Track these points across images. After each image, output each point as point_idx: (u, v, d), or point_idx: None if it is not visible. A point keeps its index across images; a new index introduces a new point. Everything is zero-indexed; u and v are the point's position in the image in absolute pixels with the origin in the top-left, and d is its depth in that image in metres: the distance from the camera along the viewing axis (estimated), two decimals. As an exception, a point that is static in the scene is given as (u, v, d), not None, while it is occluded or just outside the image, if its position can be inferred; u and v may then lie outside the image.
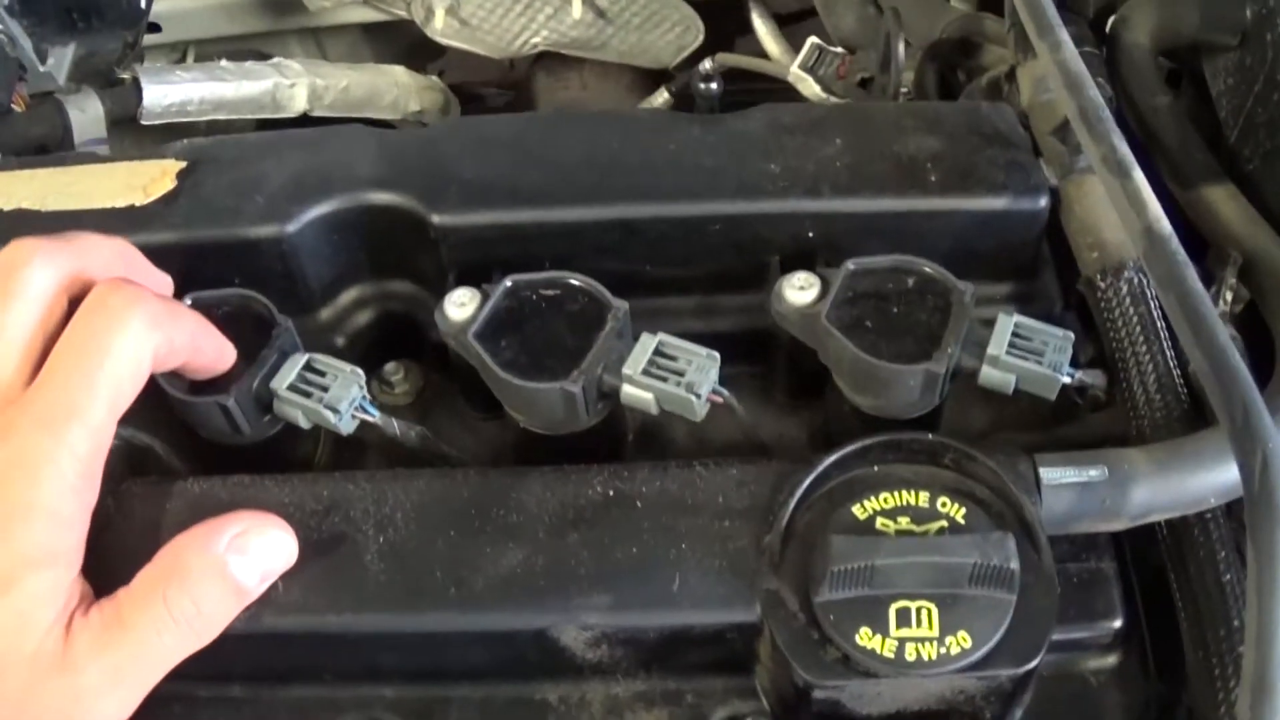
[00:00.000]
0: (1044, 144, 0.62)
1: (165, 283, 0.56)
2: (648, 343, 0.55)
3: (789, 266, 0.58)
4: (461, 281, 0.58)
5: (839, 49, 0.76)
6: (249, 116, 0.88)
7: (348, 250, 0.62)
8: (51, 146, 0.83)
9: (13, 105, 0.84)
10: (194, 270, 0.60)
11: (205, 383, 0.56)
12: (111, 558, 0.50)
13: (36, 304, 0.50)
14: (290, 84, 0.87)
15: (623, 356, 0.54)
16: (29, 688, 0.47)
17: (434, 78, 0.95)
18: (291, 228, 0.59)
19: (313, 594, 0.51)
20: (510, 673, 0.53)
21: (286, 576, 0.51)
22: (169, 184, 0.62)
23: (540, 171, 0.60)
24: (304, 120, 0.89)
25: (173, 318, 0.52)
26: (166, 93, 0.83)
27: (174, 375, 0.55)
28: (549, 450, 0.57)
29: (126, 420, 0.50)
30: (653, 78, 0.96)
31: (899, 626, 0.48)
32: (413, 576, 0.51)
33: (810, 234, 0.59)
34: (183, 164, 0.63)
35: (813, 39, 0.76)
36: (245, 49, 0.98)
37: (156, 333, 0.50)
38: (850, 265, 0.56)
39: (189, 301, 0.58)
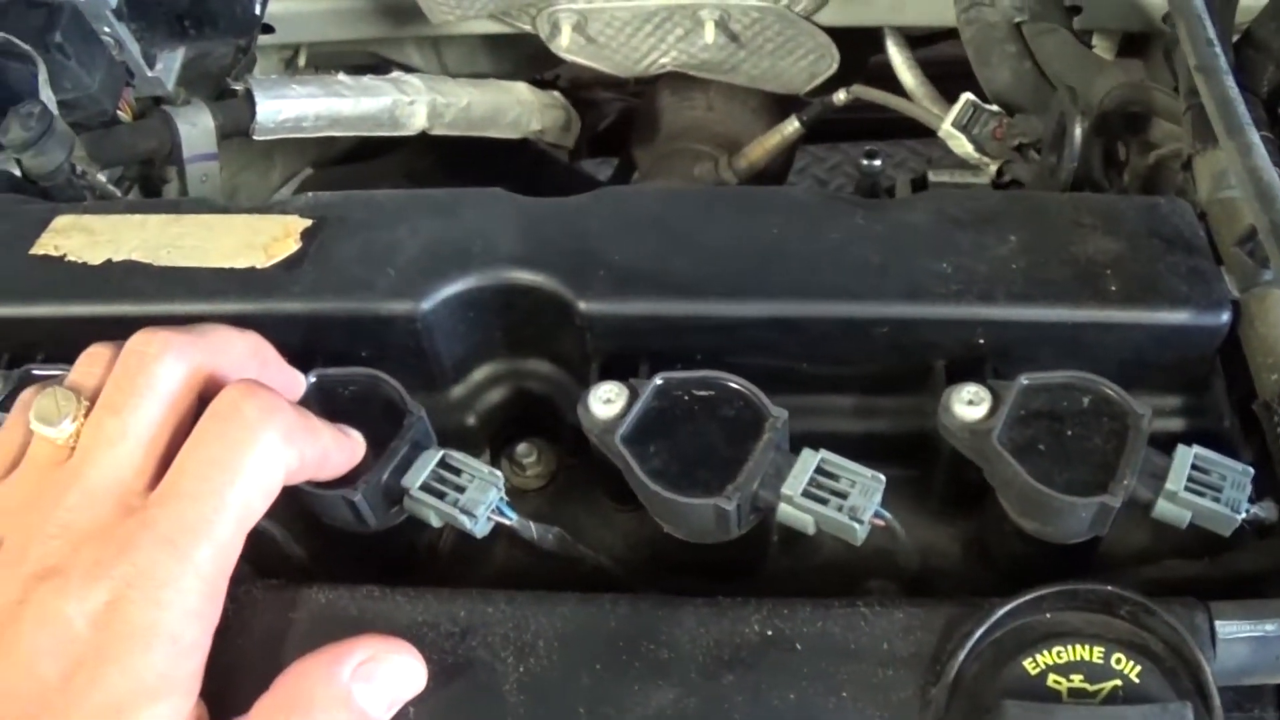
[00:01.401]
0: (1226, 253, 0.58)
1: (297, 382, 0.54)
2: (809, 460, 0.52)
3: (955, 372, 0.56)
4: (605, 368, 0.56)
5: (994, 107, 0.72)
6: (365, 134, 0.85)
7: (484, 328, 0.59)
8: (159, 160, 0.81)
9: (119, 111, 0.82)
10: (317, 342, 0.58)
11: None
12: (229, 667, 0.48)
13: (165, 402, 0.48)
14: (410, 101, 0.84)
15: (781, 471, 0.52)
16: None
17: (556, 94, 0.92)
18: (426, 305, 0.57)
19: (446, 727, 0.49)
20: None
21: (418, 703, 0.49)
22: (292, 245, 0.60)
23: (692, 258, 0.57)
24: (420, 138, 0.86)
25: (308, 432, 0.50)
26: (281, 108, 0.81)
27: None
28: (690, 554, 0.55)
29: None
30: (779, 101, 0.92)
31: (1075, 789, 0.45)
32: (554, 712, 0.49)
33: (980, 341, 0.56)
34: (307, 223, 0.61)
35: (967, 96, 0.72)
36: (360, 54, 0.95)
37: (291, 449, 0.48)
38: (1024, 380, 0.53)
39: (314, 378, 0.55)
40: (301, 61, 0.97)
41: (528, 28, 0.89)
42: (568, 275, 0.57)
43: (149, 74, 0.82)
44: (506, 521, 0.53)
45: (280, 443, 0.48)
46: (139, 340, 0.49)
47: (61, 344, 0.59)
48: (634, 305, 0.56)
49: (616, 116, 1.00)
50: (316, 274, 0.58)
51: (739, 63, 0.88)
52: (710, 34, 0.84)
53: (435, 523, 0.53)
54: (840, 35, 0.87)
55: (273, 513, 0.56)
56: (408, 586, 0.52)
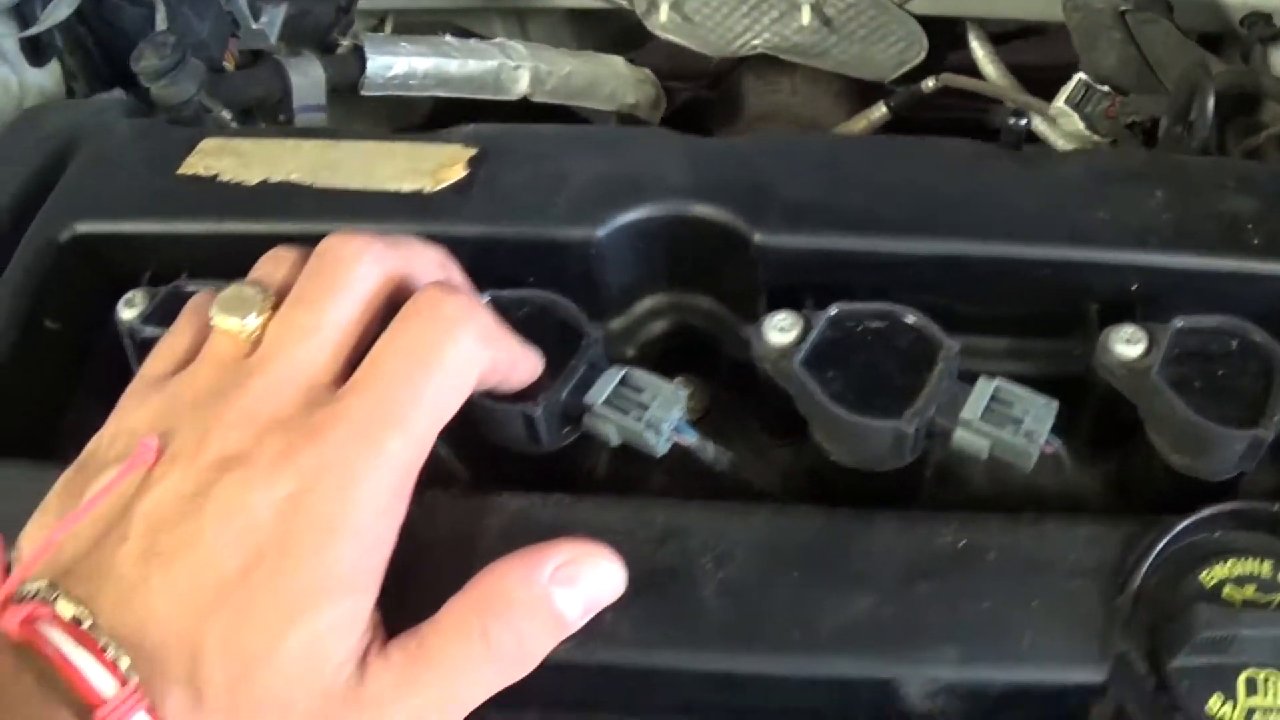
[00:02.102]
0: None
1: (479, 297, 0.55)
2: (985, 387, 0.55)
3: (1107, 316, 0.59)
4: (771, 301, 0.59)
5: (1104, 88, 0.77)
6: (469, 96, 0.88)
7: (651, 259, 0.63)
8: (268, 109, 0.83)
9: (223, 63, 0.84)
10: (486, 267, 0.60)
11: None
12: (413, 571, 0.48)
13: (360, 300, 0.48)
14: (515, 66, 0.87)
15: (956, 399, 0.55)
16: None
17: (647, 70, 0.96)
18: (601, 232, 0.60)
19: (647, 627, 0.51)
20: (825, 720, 0.53)
21: (617, 608, 0.51)
22: (460, 171, 0.63)
23: (862, 197, 0.61)
24: (522, 105, 0.89)
25: (503, 335, 0.51)
26: (391, 64, 0.84)
27: None
28: (848, 484, 0.58)
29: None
30: (860, 89, 0.96)
31: (1248, 695, 0.49)
32: (754, 618, 0.51)
33: (1134, 286, 0.60)
34: (472, 151, 0.63)
35: (1080, 75, 0.77)
36: (444, 24, 0.98)
37: (487, 350, 0.49)
38: (1178, 323, 0.57)
39: (488, 298, 0.58)
40: (388, 29, 1.00)
41: (623, 3, 0.93)
42: (742, 209, 0.60)
43: (254, 26, 0.85)
44: (686, 440, 0.56)
45: (477, 340, 0.48)
46: (334, 241, 0.49)
47: (210, 264, 0.61)
48: (808, 239, 0.59)
49: (682, 105, 1.04)
50: (488, 199, 0.61)
51: (829, 47, 0.92)
52: (806, 17, 0.88)
53: (615, 440, 0.56)
54: (924, 25, 0.91)
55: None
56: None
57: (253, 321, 0.48)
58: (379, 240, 0.50)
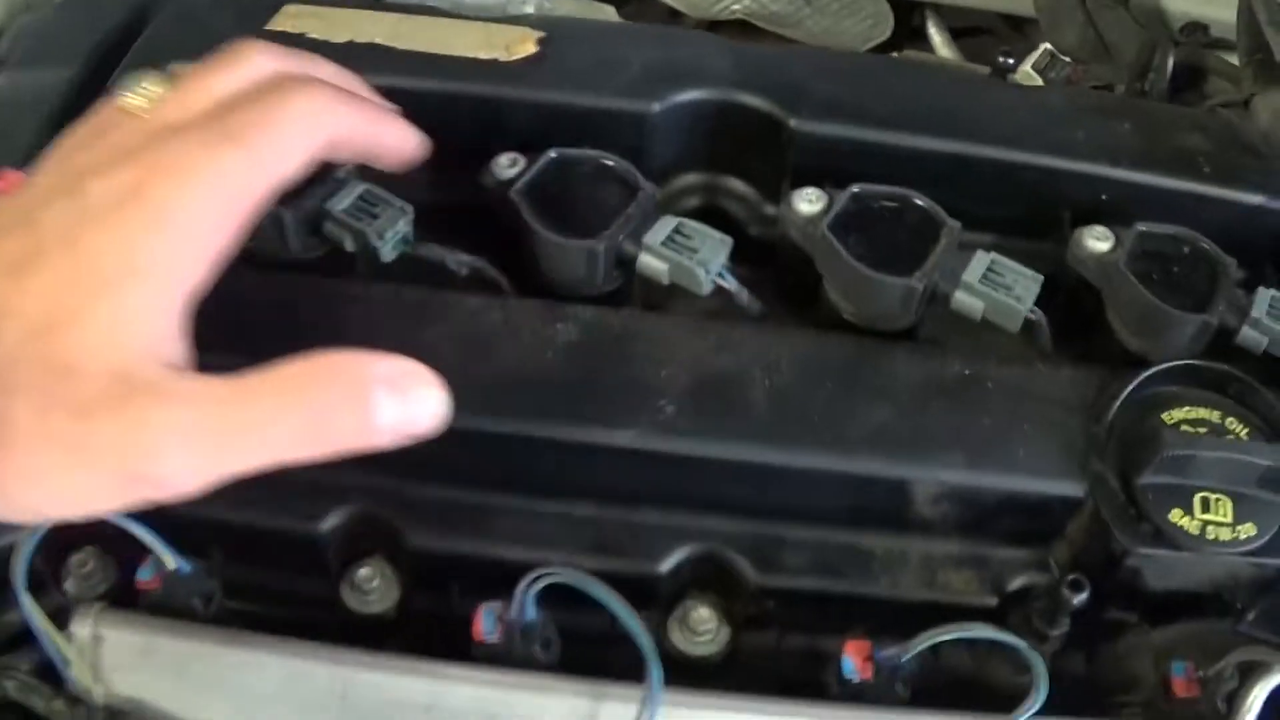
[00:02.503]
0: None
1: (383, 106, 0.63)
2: (983, 258, 0.66)
3: (1079, 220, 0.70)
4: (797, 184, 0.69)
5: (1066, 58, 0.89)
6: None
7: (694, 139, 0.72)
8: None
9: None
10: (549, 130, 0.69)
11: (571, 228, 0.65)
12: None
13: (240, 78, 0.56)
14: (522, 1, 0.96)
15: (957, 268, 0.66)
16: (100, 403, 0.48)
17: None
18: (657, 106, 0.69)
19: (703, 420, 0.60)
20: (845, 520, 0.63)
21: (677, 401, 0.60)
22: (531, 47, 0.72)
23: (883, 99, 0.71)
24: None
25: (358, 100, 0.59)
26: (413, -12, 0.92)
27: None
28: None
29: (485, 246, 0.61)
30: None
31: (1202, 511, 0.60)
32: (796, 418, 0.61)
33: (1103, 196, 0.71)
34: (541, 33, 0.72)
35: (1045, 45, 0.89)
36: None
37: (332, 106, 0.57)
38: (1140, 227, 0.68)
39: (554, 154, 0.67)
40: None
41: (617, -41, 1.03)
42: (780, 99, 0.70)
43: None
44: (727, 284, 0.66)
45: (329, 99, 0.56)
46: (238, 43, 0.57)
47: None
48: (836, 128, 0.70)
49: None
50: (557, 70, 0.71)
51: (804, 19, 1.03)
52: (788, -13, 1.00)
53: (666, 279, 0.65)
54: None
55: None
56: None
57: (139, 98, 0.55)
58: (287, 50, 0.59)
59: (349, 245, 0.65)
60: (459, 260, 0.66)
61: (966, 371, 0.63)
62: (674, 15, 1.06)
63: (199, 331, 0.53)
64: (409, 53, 0.71)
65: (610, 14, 1.00)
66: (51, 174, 0.53)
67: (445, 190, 0.71)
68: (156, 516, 0.60)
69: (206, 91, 0.55)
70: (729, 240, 0.65)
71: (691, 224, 0.66)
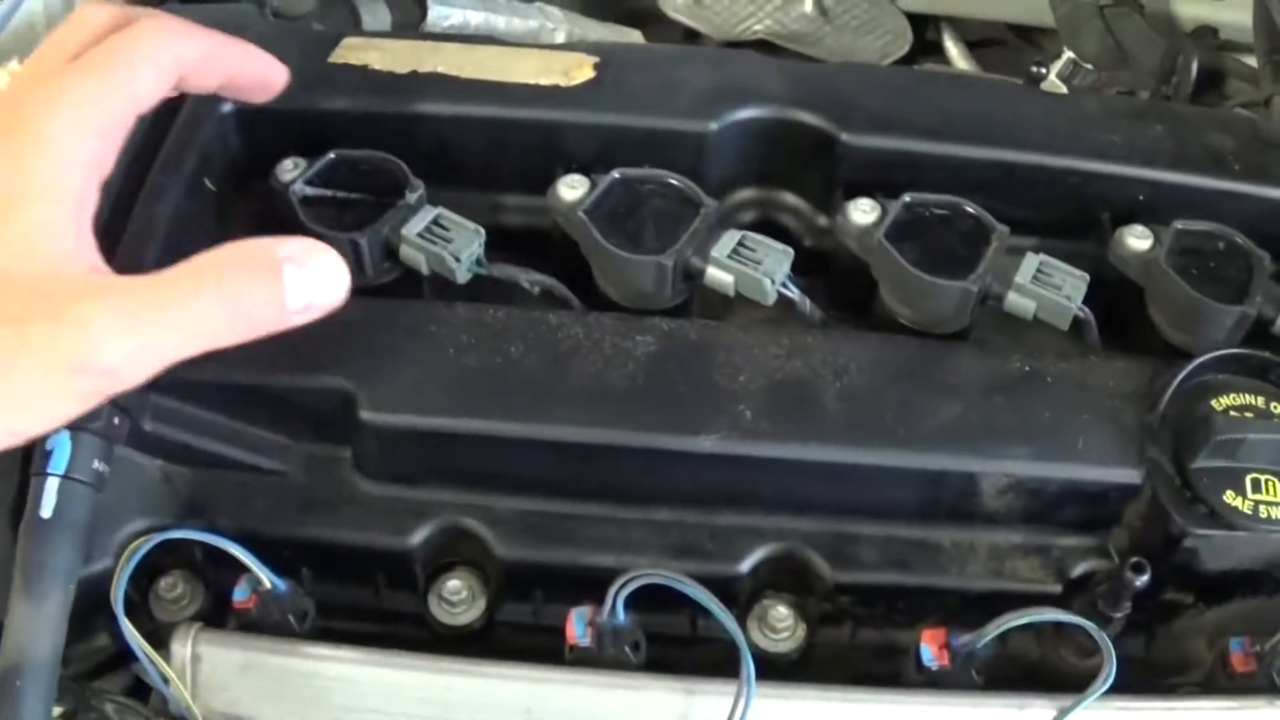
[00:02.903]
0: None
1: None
2: (1032, 260, 0.69)
3: (1118, 222, 0.74)
4: (848, 196, 0.72)
5: (1089, 65, 0.93)
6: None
7: (749, 156, 0.75)
8: (338, 47, 0.93)
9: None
10: (610, 151, 0.73)
11: (638, 245, 0.68)
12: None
13: (84, 29, 0.60)
14: (553, 28, 0.99)
15: (1008, 270, 0.69)
16: (32, 307, 0.52)
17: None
18: (715, 125, 0.73)
19: (781, 423, 0.63)
20: (915, 515, 0.66)
21: (755, 406, 0.63)
22: (590, 72, 0.75)
23: (927, 111, 0.75)
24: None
25: (203, 32, 0.62)
26: (448, 14, 0.95)
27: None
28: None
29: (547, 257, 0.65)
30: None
31: (1254, 492, 0.63)
32: (867, 417, 0.64)
33: (1140, 196, 0.75)
34: (596, 59, 0.76)
35: (1069, 53, 0.93)
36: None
37: (184, 30, 0.61)
38: (1178, 224, 0.72)
39: (617, 174, 0.70)
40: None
41: (642, -18, 1.07)
42: (832, 115, 0.73)
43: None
44: (790, 293, 0.69)
45: (172, 30, 0.60)
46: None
47: (358, 140, 0.72)
48: (886, 141, 0.73)
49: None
50: (617, 95, 0.74)
51: (823, 36, 1.07)
52: (808, 5, 1.03)
53: (731, 290, 0.68)
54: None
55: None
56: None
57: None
58: (106, 5, 0.62)
59: (424, 268, 0.68)
60: (531, 279, 0.69)
61: (1026, 368, 0.66)
62: (692, 37, 1.10)
63: (300, 355, 0.56)
64: (472, 81, 0.74)
65: (637, 38, 1.04)
66: None
67: (510, 213, 0.75)
68: (247, 538, 0.63)
69: (55, 48, 0.59)
70: (790, 251, 0.69)
71: (754, 237, 0.69)
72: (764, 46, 1.09)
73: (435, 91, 0.73)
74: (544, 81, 0.74)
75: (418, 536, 0.64)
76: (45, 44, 0.61)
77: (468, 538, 0.65)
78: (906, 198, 0.71)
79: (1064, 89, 0.92)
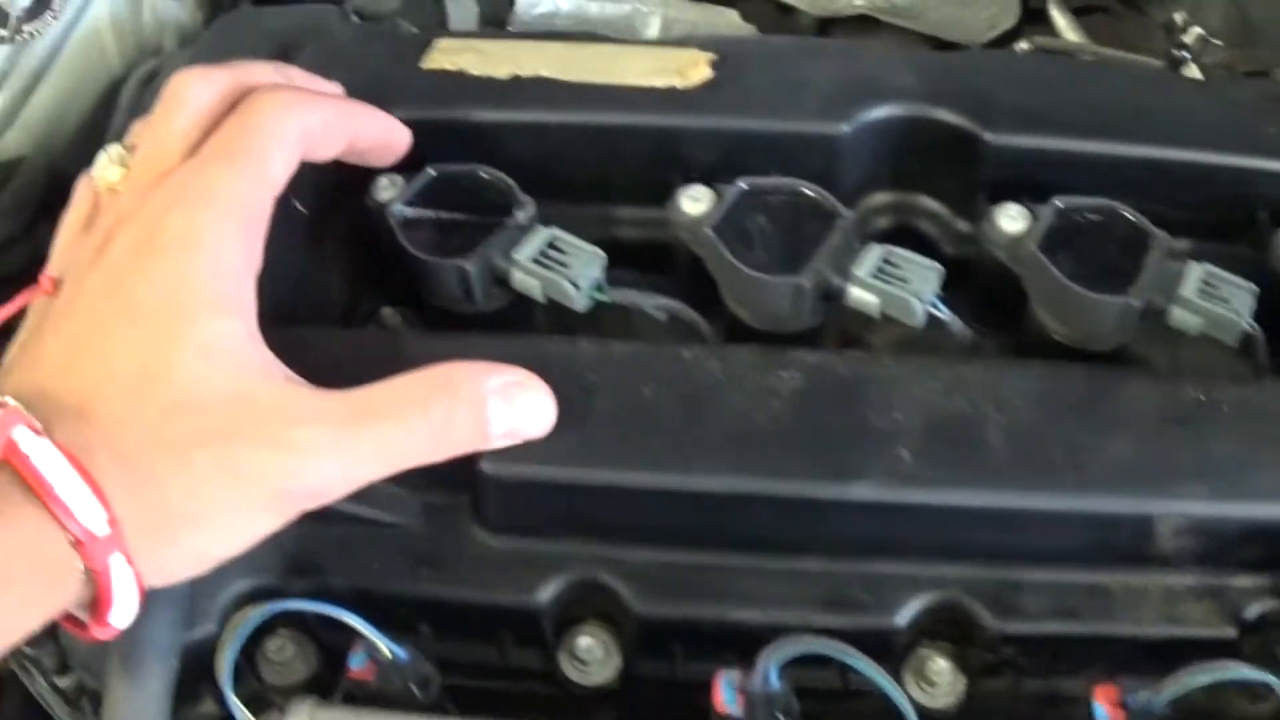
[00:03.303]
0: None
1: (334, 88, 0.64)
2: (1195, 269, 0.63)
3: (1277, 222, 0.67)
4: (991, 200, 0.66)
5: (1218, 42, 0.86)
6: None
7: (882, 158, 0.69)
8: (420, 35, 0.87)
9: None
10: (732, 158, 0.67)
11: (770, 263, 0.62)
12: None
13: (195, 111, 0.57)
14: (648, 11, 0.93)
15: (1170, 282, 0.62)
16: (232, 429, 0.51)
17: (752, 27, 1.02)
18: (847, 128, 0.66)
19: (941, 467, 0.58)
20: (1082, 559, 0.60)
21: (913, 447, 0.57)
22: (707, 71, 0.68)
23: (1076, 106, 0.68)
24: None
25: (324, 99, 0.61)
26: (537, 1, 0.89)
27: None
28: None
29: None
30: (946, 50, 1.04)
31: None
32: (1034, 457, 0.58)
33: (1304, 195, 0.68)
34: (713, 55, 0.69)
35: (1197, 29, 0.86)
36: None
37: (303, 102, 0.59)
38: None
39: (744, 185, 0.64)
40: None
41: (737, -42, 1.00)
42: (972, 112, 0.67)
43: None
44: (939, 314, 0.63)
45: (296, 101, 0.58)
46: (172, 78, 0.59)
47: (456, 152, 0.66)
48: (1032, 140, 0.67)
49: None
50: (738, 95, 0.68)
51: (926, 9, 1.00)
52: (912, -24, 0.97)
53: (876, 313, 0.62)
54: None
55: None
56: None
57: (113, 167, 0.59)
58: (212, 67, 0.60)
59: (538, 295, 0.62)
60: (656, 304, 0.63)
61: (1200, 397, 0.60)
62: (786, 11, 1.03)
63: None
64: (580, 85, 0.68)
65: (734, 17, 0.97)
66: (72, 262, 0.56)
67: (624, 226, 0.69)
68: (360, 596, 0.58)
69: (170, 138, 0.57)
70: (939, 267, 0.63)
71: (899, 252, 0.63)
72: (862, 21, 1.02)
73: (540, 97, 0.67)
74: (658, 83, 0.67)
75: (547, 592, 0.59)
76: (154, 132, 0.58)
77: (601, 592, 0.59)
78: (1058, 203, 0.64)
79: (1194, 67, 0.85)
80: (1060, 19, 1.01)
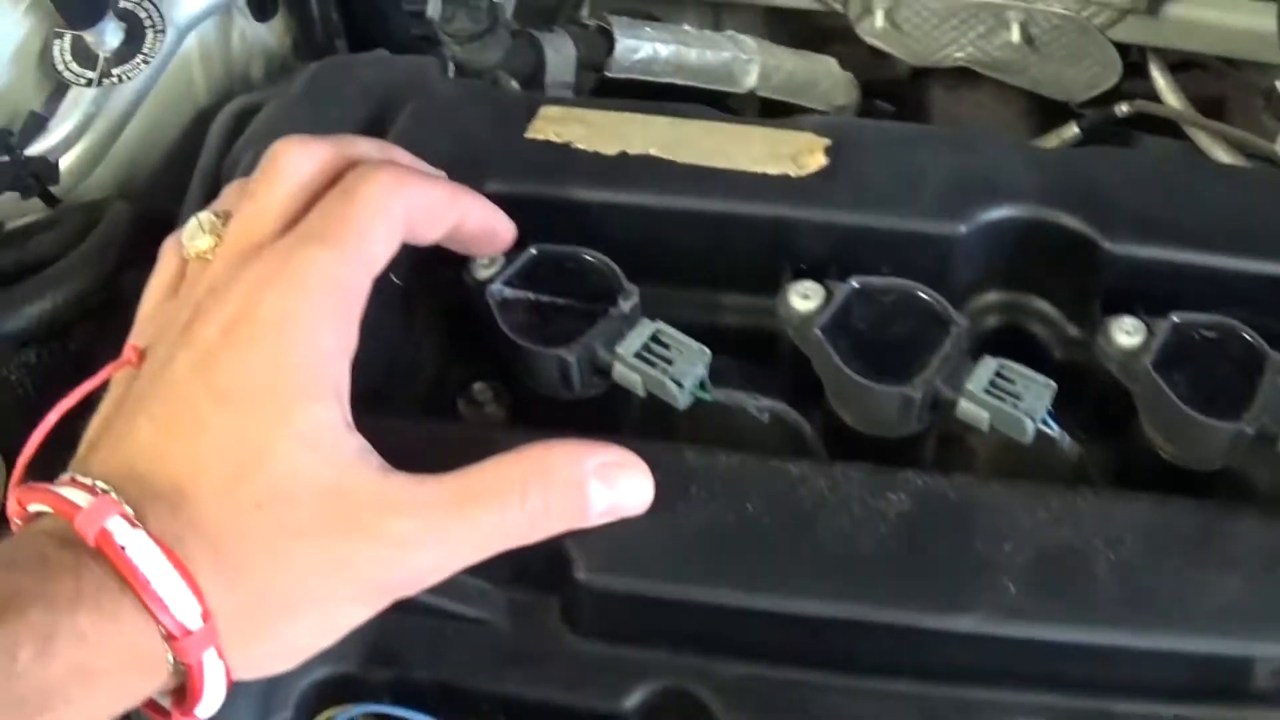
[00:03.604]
0: None
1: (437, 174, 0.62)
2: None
3: None
4: (1106, 307, 0.64)
5: (1332, 122, 0.83)
6: (701, 86, 0.91)
7: (996, 259, 0.67)
8: (520, 83, 0.85)
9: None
10: (843, 252, 0.64)
11: (878, 368, 0.60)
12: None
13: (295, 184, 0.55)
14: (746, 59, 0.91)
15: (1268, 405, 0.59)
16: (328, 524, 0.50)
17: (849, 74, 1.00)
18: (964, 228, 0.64)
19: (1047, 601, 0.56)
20: (1177, 694, 0.58)
21: (1019, 580, 0.55)
22: (821, 159, 0.66)
23: (1201, 214, 0.65)
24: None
25: (430, 181, 0.59)
26: (637, 47, 0.87)
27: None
28: (1175, 481, 0.62)
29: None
30: (1043, 107, 1.01)
31: None
32: (1142, 595, 0.56)
33: None
34: (828, 140, 0.67)
35: (1312, 110, 0.83)
36: (638, 10, 1.00)
37: (408, 182, 0.56)
38: None
39: (856, 284, 0.62)
40: (585, 11, 1.02)
41: (837, 6, 0.97)
42: (1092, 217, 0.65)
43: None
44: (1050, 430, 0.60)
45: (396, 181, 0.55)
46: (275, 144, 0.57)
47: (560, 230, 0.64)
48: (1153, 251, 0.64)
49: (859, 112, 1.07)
50: (854, 187, 0.65)
51: (1028, 65, 0.97)
52: (1015, 34, 0.94)
53: (986, 425, 0.60)
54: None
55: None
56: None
57: (205, 236, 0.56)
58: (315, 138, 0.57)
59: (640, 390, 0.61)
60: (760, 406, 0.62)
61: (1294, 531, 0.58)
62: (880, 57, 1.00)
63: None
64: (690, 167, 0.65)
65: (832, 65, 0.95)
66: (159, 333, 0.55)
67: (727, 313, 0.67)
68: (445, 691, 0.57)
69: (268, 211, 0.55)
70: (1053, 385, 0.60)
71: (1013, 367, 0.61)
72: (963, 74, 0.99)
73: (649, 179, 0.65)
74: (772, 171, 0.65)
75: (634, 699, 0.57)
76: (252, 202, 0.56)
77: (689, 703, 0.57)
78: (1175, 318, 0.62)
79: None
80: (1160, 78, 0.98)
